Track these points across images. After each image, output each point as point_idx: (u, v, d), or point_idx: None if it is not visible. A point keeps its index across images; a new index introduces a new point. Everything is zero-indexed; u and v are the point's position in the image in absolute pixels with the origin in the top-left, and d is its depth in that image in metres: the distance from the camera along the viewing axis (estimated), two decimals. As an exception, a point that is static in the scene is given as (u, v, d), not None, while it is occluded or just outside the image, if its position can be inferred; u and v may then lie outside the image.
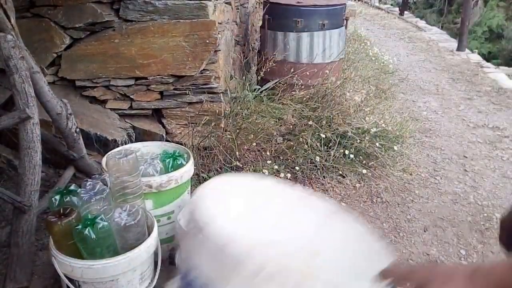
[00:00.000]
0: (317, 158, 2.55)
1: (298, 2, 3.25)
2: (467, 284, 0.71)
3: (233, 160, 2.37)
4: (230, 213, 0.71)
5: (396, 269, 0.73)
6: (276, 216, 0.77)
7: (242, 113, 2.57)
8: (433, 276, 0.71)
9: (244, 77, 3.08)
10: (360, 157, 2.65)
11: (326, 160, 2.56)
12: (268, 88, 3.01)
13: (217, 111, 2.44)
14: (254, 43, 3.91)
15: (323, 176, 2.53)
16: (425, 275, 0.72)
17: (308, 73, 3.17)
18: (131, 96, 2.40)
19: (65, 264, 1.35)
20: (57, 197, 1.49)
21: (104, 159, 1.72)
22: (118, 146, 2.11)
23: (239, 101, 2.64)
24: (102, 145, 2.25)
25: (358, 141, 2.63)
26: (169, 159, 1.79)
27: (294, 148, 2.61)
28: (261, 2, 4.13)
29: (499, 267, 0.73)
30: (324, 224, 0.79)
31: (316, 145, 2.60)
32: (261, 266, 0.55)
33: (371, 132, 2.72)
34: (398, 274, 0.72)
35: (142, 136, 2.42)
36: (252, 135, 2.52)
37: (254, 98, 2.79)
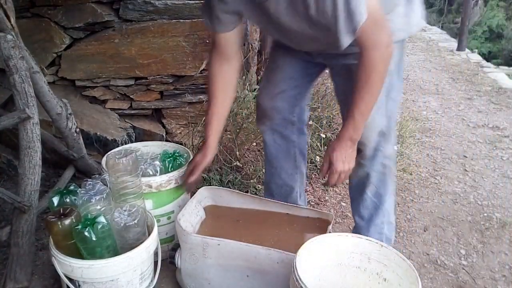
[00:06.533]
0: (317, 158, 2.55)
1: (298, 2, 3.25)
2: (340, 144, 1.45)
3: (233, 160, 2.37)
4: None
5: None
6: None
7: (242, 113, 2.56)
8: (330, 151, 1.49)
9: (244, 77, 3.08)
10: (360, 157, 2.65)
11: (326, 160, 2.56)
12: (268, 88, 3.00)
13: (217, 111, 2.43)
14: (254, 43, 3.91)
15: (323, 176, 2.53)
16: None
17: (308, 73, 3.16)
18: (131, 96, 2.41)
19: (65, 264, 1.35)
20: (57, 197, 1.50)
21: (104, 159, 1.72)
22: (118, 146, 2.11)
23: (239, 101, 2.63)
24: (102, 145, 2.26)
25: (358, 141, 2.63)
26: (169, 159, 1.79)
27: (294, 148, 2.60)
28: (261, 2, 4.12)
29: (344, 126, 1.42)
30: None
31: (316, 145, 2.60)
32: None
33: (371, 132, 2.71)
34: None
35: (142, 136, 2.42)
36: (252, 135, 2.52)
37: (254, 98, 2.78)
